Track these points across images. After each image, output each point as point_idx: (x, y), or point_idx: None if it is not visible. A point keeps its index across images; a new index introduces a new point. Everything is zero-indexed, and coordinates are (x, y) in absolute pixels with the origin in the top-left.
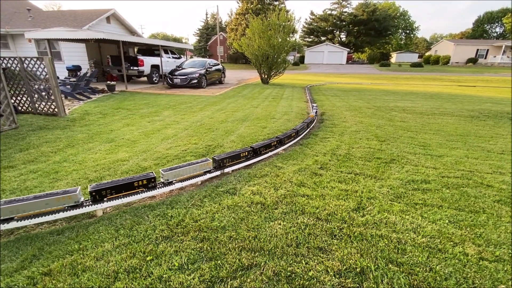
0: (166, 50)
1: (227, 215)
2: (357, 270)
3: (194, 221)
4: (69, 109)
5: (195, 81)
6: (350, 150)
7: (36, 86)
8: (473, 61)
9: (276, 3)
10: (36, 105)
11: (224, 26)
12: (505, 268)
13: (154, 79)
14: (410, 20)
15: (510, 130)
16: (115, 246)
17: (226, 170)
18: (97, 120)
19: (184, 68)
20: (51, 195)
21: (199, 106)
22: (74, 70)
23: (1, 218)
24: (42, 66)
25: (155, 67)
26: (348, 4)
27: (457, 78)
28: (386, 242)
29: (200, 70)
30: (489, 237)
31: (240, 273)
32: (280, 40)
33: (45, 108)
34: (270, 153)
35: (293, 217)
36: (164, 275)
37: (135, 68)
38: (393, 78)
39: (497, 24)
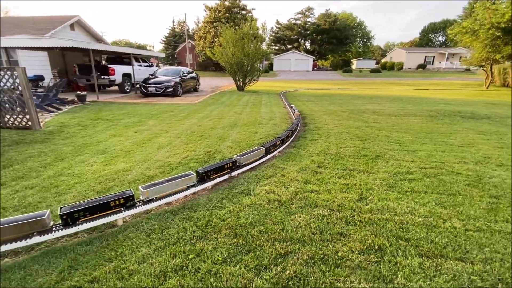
0: (137, 58)
1: (250, 212)
2: (376, 247)
3: (221, 220)
4: (41, 121)
5: (171, 89)
6: (339, 150)
7: (6, 98)
8: (422, 66)
9: (244, 12)
10: (5, 119)
11: (192, 34)
12: (486, 236)
13: (126, 88)
14: (366, 30)
15: (465, 127)
16: (152, 250)
17: (272, 154)
18: (78, 132)
19: (157, 77)
20: (178, 177)
21: (183, 114)
22: (36, 80)
23: (148, 199)
24: (13, 76)
25: (126, 76)
26: (311, 14)
27: (412, 82)
28: (392, 224)
29: (175, 78)
30: (468, 213)
31: (279, 260)
32: (253, 48)
33: (15, 122)
34: (289, 141)
35: (309, 210)
36: (212, 269)
37: (106, 77)
38: (357, 83)
39: (439, 33)
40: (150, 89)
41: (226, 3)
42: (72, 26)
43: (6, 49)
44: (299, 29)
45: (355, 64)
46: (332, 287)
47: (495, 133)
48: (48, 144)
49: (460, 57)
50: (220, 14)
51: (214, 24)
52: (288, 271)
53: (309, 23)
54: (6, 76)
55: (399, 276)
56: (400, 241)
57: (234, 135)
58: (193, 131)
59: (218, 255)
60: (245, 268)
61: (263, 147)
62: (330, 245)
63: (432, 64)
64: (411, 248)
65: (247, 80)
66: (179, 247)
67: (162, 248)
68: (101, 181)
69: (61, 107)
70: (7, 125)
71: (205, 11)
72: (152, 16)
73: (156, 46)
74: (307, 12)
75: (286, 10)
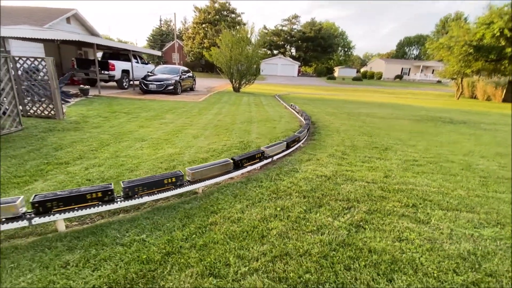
0: (134, 55)
1: (306, 183)
2: (411, 205)
3: (287, 187)
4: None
5: (171, 87)
6: (353, 143)
7: (31, 87)
8: (399, 77)
9: (233, 15)
10: (27, 108)
11: (178, 33)
12: (483, 199)
13: (124, 84)
14: (347, 40)
15: (448, 129)
16: (245, 206)
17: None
18: (104, 122)
19: (156, 74)
20: (278, 144)
21: (195, 111)
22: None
23: (269, 155)
24: (40, 66)
25: (125, 72)
26: (297, 21)
27: (392, 91)
28: (416, 191)
29: (175, 76)
30: (467, 186)
31: (346, 211)
32: (251, 51)
33: (38, 111)
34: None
35: (351, 182)
36: (301, 215)
37: (106, 72)
38: (342, 90)
39: (414, 47)
40: (150, 86)
41: (216, 5)
42: (68, 19)
43: (3, 38)
44: (286, 36)
45: (337, 72)
46: (391, 225)
47: (473, 135)
48: (82, 132)
49: (433, 70)
50: (210, 16)
51: (203, 25)
52: (355, 217)
53: (295, 30)
54: (33, 66)
55: (433, 219)
56: (426, 201)
57: (255, 129)
58: (216, 125)
59: (299, 208)
60: (324, 215)
61: (305, 129)
62: (378, 203)
63: (408, 75)
64: (435, 206)
65: (243, 82)
66: (265, 203)
67: (252, 204)
68: (162, 161)
69: (67, 99)
70: (28, 113)
71: (194, 12)
72: (134, 13)
73: (139, 44)
74: (293, 20)
75: (271, 17)
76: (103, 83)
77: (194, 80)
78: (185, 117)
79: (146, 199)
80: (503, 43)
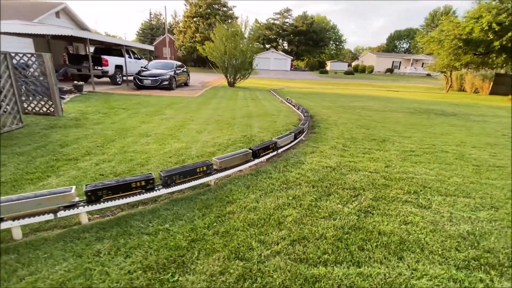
0: (127, 50)
1: (313, 174)
2: (412, 191)
3: (296, 178)
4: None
5: (166, 82)
6: (352, 135)
7: (27, 84)
8: (390, 70)
9: (225, 9)
10: (25, 105)
11: (169, 27)
12: (477, 186)
13: (118, 80)
14: (339, 33)
15: (440, 121)
16: (258, 196)
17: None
18: (104, 119)
19: (150, 69)
20: (287, 135)
21: (193, 106)
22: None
23: (280, 145)
24: (37, 63)
25: (118, 68)
26: (289, 15)
27: (383, 84)
28: (416, 179)
29: (170, 71)
30: (462, 174)
31: (354, 198)
32: (245, 45)
33: (36, 108)
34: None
35: (355, 172)
36: (312, 203)
37: (99, 67)
38: (335, 83)
39: (404, 40)
40: (145, 81)
41: None
42: (57, 14)
43: None
44: (278, 29)
45: (329, 66)
46: (396, 210)
47: (463, 126)
48: (85, 129)
49: (423, 63)
50: (201, 10)
51: (195, 19)
52: (363, 204)
53: (287, 24)
54: (30, 62)
55: (434, 204)
56: (426, 188)
57: (256, 123)
58: (217, 120)
59: (310, 197)
60: (334, 202)
61: (306, 121)
62: (382, 191)
63: (399, 68)
64: (434, 192)
65: (237, 77)
66: (277, 193)
67: (265, 194)
68: (171, 156)
69: (62, 96)
70: (26, 111)
71: (185, 5)
72: (122, 6)
73: (128, 38)
74: (285, 13)
75: (262, 12)
76: (95, 79)
77: (188, 75)
78: (185, 112)
79: (182, 186)
80: (491, 36)
